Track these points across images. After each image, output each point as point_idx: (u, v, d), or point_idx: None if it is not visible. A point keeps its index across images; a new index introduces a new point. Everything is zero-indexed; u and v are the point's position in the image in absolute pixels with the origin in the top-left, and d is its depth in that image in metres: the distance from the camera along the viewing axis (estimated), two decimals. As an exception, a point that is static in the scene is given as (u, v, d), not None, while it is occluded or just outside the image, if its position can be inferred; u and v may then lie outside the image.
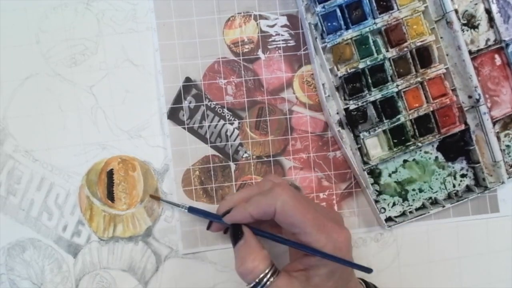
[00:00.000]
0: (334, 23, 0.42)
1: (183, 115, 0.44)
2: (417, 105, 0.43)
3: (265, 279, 0.34)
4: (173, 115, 0.44)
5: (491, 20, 0.44)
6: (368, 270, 0.35)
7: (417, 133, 0.43)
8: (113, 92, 0.44)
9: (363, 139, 0.43)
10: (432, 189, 0.45)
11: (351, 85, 0.43)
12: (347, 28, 0.42)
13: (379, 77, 0.42)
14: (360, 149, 0.43)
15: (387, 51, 0.42)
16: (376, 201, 0.45)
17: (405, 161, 0.45)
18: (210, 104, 0.44)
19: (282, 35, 0.45)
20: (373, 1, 0.42)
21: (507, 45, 0.44)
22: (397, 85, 0.42)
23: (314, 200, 0.45)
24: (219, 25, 0.44)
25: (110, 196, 0.44)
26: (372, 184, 0.44)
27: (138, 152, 0.44)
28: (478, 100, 0.43)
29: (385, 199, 0.45)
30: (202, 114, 0.44)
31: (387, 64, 0.42)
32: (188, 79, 0.44)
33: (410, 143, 0.43)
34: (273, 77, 0.45)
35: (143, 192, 0.44)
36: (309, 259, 0.35)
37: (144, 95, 0.44)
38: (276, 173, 0.45)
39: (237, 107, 0.45)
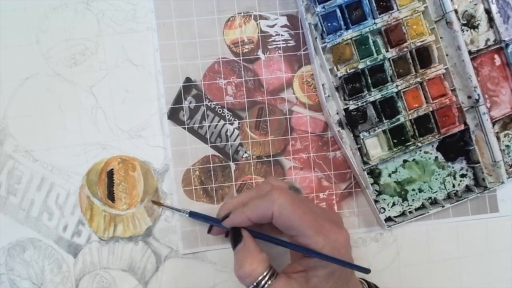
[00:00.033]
0: (334, 23, 0.42)
1: (183, 115, 0.44)
2: (416, 105, 0.43)
3: (263, 282, 0.34)
4: (173, 115, 0.44)
5: (490, 20, 0.44)
6: (366, 271, 0.36)
7: (416, 133, 0.43)
8: (113, 92, 0.44)
9: (363, 139, 0.43)
10: (431, 189, 0.45)
11: (351, 85, 0.43)
12: (347, 28, 0.42)
13: (379, 77, 0.42)
14: (360, 149, 0.43)
15: (387, 51, 0.42)
16: (376, 201, 0.45)
17: (405, 161, 0.45)
18: (210, 104, 0.44)
19: (282, 35, 0.45)
20: (373, 1, 0.42)
21: (507, 45, 0.44)
22: (397, 85, 0.42)
23: (314, 200, 0.45)
24: (219, 25, 0.44)
25: (111, 196, 0.44)
26: (372, 184, 0.44)
27: (138, 152, 0.44)
28: (477, 100, 0.43)
29: (384, 199, 0.45)
30: (202, 114, 0.44)
31: (387, 64, 0.42)
32: (188, 79, 0.44)
33: (410, 143, 0.43)
34: (273, 77, 0.45)
35: (143, 192, 0.44)
36: (308, 261, 0.36)
37: (144, 95, 0.44)
38: (276, 173, 0.45)
39: (237, 107, 0.45)
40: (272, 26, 0.45)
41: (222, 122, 0.45)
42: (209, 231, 0.41)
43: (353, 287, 0.38)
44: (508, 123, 0.45)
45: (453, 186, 0.46)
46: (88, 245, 0.44)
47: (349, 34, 0.42)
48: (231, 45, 0.44)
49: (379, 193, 0.45)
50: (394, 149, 0.43)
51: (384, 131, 0.43)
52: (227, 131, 0.45)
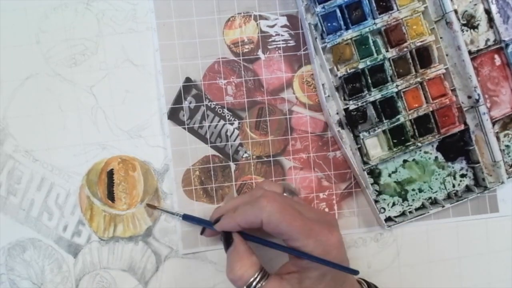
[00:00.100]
0: (334, 24, 0.42)
1: (183, 115, 0.44)
2: (416, 105, 0.43)
3: (254, 283, 0.35)
4: (173, 115, 0.44)
5: (490, 20, 0.44)
6: (354, 272, 0.36)
7: (416, 133, 0.43)
8: (113, 92, 0.44)
9: (363, 139, 0.43)
10: (431, 189, 0.45)
11: (351, 85, 0.43)
12: (347, 28, 0.42)
13: (379, 77, 0.42)
14: (360, 149, 0.43)
15: (387, 51, 0.42)
16: (376, 201, 0.45)
17: (405, 161, 0.45)
18: (210, 104, 0.44)
19: (282, 35, 0.45)
20: (373, 2, 0.42)
21: (507, 45, 0.44)
22: (397, 85, 0.42)
23: (314, 200, 0.45)
24: (219, 25, 0.44)
25: (111, 196, 0.44)
26: (372, 184, 0.44)
27: (138, 152, 0.44)
28: (477, 100, 0.43)
29: (384, 199, 0.45)
30: (202, 114, 0.44)
31: (387, 64, 0.42)
32: (188, 79, 0.44)
33: (410, 143, 0.43)
34: (273, 77, 0.45)
35: (143, 192, 0.44)
36: (301, 261, 0.36)
37: (144, 95, 0.44)
38: (276, 173, 0.45)
39: (237, 107, 0.45)
40: (272, 26, 0.45)
41: (222, 122, 0.45)
42: (202, 233, 0.42)
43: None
44: (508, 123, 0.45)
45: (453, 186, 0.46)
46: (88, 245, 0.44)
47: (349, 34, 0.42)
48: (231, 45, 0.44)
49: (379, 193, 0.45)
50: (394, 149, 0.43)
51: (384, 131, 0.43)
52: (227, 131, 0.45)
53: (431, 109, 0.43)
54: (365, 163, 0.44)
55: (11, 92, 0.43)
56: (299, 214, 0.35)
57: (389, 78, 0.42)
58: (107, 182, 0.44)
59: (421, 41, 0.42)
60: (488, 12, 0.44)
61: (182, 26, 0.44)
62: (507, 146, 0.46)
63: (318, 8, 0.41)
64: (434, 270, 0.46)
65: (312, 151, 0.45)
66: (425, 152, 0.45)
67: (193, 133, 0.44)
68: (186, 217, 0.42)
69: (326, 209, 0.45)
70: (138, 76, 0.44)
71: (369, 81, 0.42)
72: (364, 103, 0.43)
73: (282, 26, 0.45)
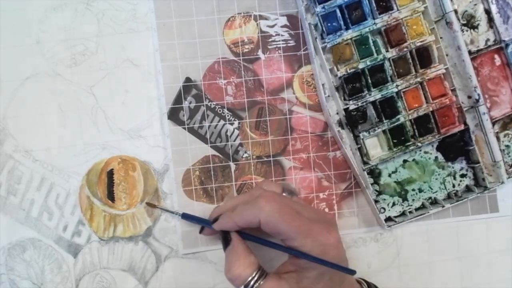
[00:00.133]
0: (334, 24, 0.42)
1: (183, 115, 0.44)
2: (416, 105, 0.43)
3: (252, 282, 0.35)
4: (173, 115, 0.44)
5: (490, 20, 0.44)
6: (352, 272, 0.36)
7: (416, 133, 0.43)
8: (113, 92, 0.44)
9: (363, 139, 0.43)
10: (431, 189, 0.45)
11: (351, 85, 0.43)
12: (347, 28, 0.42)
13: (379, 77, 0.42)
14: (360, 149, 0.43)
15: (387, 51, 0.42)
16: (376, 201, 0.45)
17: (405, 161, 0.45)
18: (210, 104, 0.45)
19: (282, 35, 0.45)
20: (373, 2, 0.42)
21: (507, 45, 0.44)
22: (397, 85, 0.42)
23: (314, 200, 0.45)
24: (219, 25, 0.44)
25: (111, 196, 0.44)
26: (372, 184, 0.44)
27: (138, 152, 0.44)
28: (477, 100, 0.43)
29: (385, 199, 0.45)
30: (202, 114, 0.44)
31: (387, 64, 0.42)
32: (188, 79, 0.44)
33: (410, 143, 0.43)
34: (273, 77, 0.45)
35: (143, 192, 0.44)
36: (299, 261, 0.36)
37: (144, 95, 0.44)
38: (276, 173, 0.45)
39: (237, 107, 0.45)
40: (272, 26, 0.45)
41: (222, 122, 0.45)
42: (200, 231, 0.42)
43: None
44: (508, 123, 0.45)
45: (453, 186, 0.46)
46: (88, 245, 0.44)
47: (349, 34, 0.42)
48: (231, 45, 0.44)
49: (379, 193, 0.45)
50: (394, 149, 0.43)
51: (384, 131, 0.43)
52: (227, 131, 0.45)
53: (431, 109, 0.43)
54: (365, 163, 0.44)
55: (11, 92, 0.43)
56: (297, 214, 0.35)
57: (389, 78, 0.42)
58: (107, 182, 0.44)
59: (421, 41, 0.42)
60: (488, 12, 0.44)
61: (182, 26, 0.44)
62: (507, 146, 0.46)
63: (318, 8, 0.41)
64: (434, 270, 0.46)
65: (312, 151, 0.45)
66: (425, 152, 0.45)
67: (193, 133, 0.44)
68: (185, 216, 0.42)
69: (326, 209, 0.45)
70: (138, 76, 0.44)
71: (369, 81, 0.42)
72: (364, 103, 0.43)
73: (282, 26, 0.45)
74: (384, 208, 0.45)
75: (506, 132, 0.45)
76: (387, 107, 0.43)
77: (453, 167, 0.46)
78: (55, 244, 0.44)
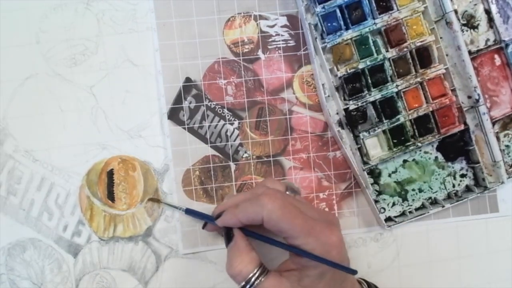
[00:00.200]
0: (334, 24, 0.42)
1: (183, 115, 0.44)
2: (416, 105, 0.43)
3: (253, 279, 0.35)
4: (173, 115, 0.44)
5: (490, 20, 0.44)
6: (353, 272, 0.36)
7: (416, 133, 0.43)
8: (113, 92, 0.44)
9: (363, 139, 0.43)
10: (431, 189, 0.45)
11: (351, 85, 0.43)
12: (347, 29, 0.42)
13: (379, 77, 0.42)
14: (360, 149, 0.43)
15: (387, 51, 0.42)
16: (376, 201, 0.45)
17: (404, 161, 0.45)
18: (210, 104, 0.45)
19: (282, 35, 0.45)
20: (373, 2, 0.42)
21: (507, 45, 0.44)
22: (397, 85, 0.42)
23: (314, 200, 0.45)
24: (219, 25, 0.44)
25: (111, 196, 0.44)
26: (372, 184, 0.44)
27: (138, 152, 0.44)
28: (477, 100, 0.43)
29: (384, 199, 0.45)
30: (202, 114, 0.44)
31: (387, 64, 0.42)
32: (188, 79, 0.44)
33: (410, 143, 0.43)
34: (273, 77, 0.45)
35: (143, 192, 0.44)
36: (301, 260, 0.36)
37: (144, 95, 0.44)
38: (276, 173, 0.45)
39: (237, 107, 0.45)
40: (272, 26, 0.45)
41: (222, 122, 0.45)
42: (203, 227, 0.42)
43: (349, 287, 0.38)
44: (508, 123, 0.45)
45: (453, 186, 0.46)
46: (88, 245, 0.44)
47: (349, 34, 0.42)
48: (231, 45, 0.44)
49: (379, 193, 0.45)
50: (394, 149, 0.43)
51: (384, 131, 0.43)
52: (227, 131, 0.45)
53: (431, 109, 0.43)
54: (365, 163, 0.44)
55: (11, 92, 0.43)
56: (300, 212, 0.35)
57: (389, 78, 0.42)
58: (107, 182, 0.44)
59: (421, 41, 0.42)
60: (488, 12, 0.44)
61: (182, 26, 0.44)
62: (507, 146, 0.46)
63: (318, 8, 0.41)
64: (434, 270, 0.46)
65: (312, 151, 0.45)
66: (425, 152, 0.45)
67: (193, 133, 0.44)
68: (189, 211, 0.42)
69: (326, 209, 0.45)
70: (138, 76, 0.44)
71: (369, 81, 0.42)
72: (364, 103, 0.43)
73: (282, 26, 0.45)
74: (384, 208, 0.45)
75: (506, 132, 0.45)
76: (387, 107, 0.43)
77: (453, 167, 0.46)
78: (55, 244, 0.44)
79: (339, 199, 0.46)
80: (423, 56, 0.42)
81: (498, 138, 0.45)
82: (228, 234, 0.38)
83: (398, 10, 0.42)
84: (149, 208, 0.44)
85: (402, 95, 0.43)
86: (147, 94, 0.44)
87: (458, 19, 0.43)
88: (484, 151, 0.45)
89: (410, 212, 0.45)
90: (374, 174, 0.45)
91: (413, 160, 0.45)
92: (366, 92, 0.43)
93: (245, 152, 0.45)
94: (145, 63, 0.44)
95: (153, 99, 0.44)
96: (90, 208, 0.44)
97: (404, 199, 0.45)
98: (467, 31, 0.44)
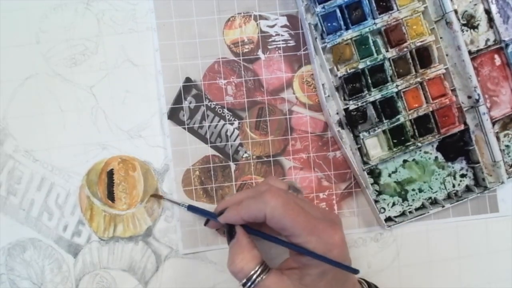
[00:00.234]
0: (334, 24, 0.42)
1: (183, 115, 0.44)
2: (416, 105, 0.43)
3: (254, 276, 0.35)
4: (173, 115, 0.44)
5: (490, 20, 0.44)
6: (355, 271, 0.36)
7: (416, 133, 0.43)
8: (113, 92, 0.44)
9: (363, 139, 0.43)
10: (431, 189, 0.45)
11: (351, 85, 0.43)
12: (347, 29, 0.42)
13: (379, 77, 0.42)
14: (360, 149, 0.43)
15: (387, 51, 0.42)
16: (376, 201, 0.45)
17: (404, 161, 0.45)
18: (210, 104, 0.45)
19: (282, 35, 0.45)
20: (373, 2, 0.42)
21: (507, 45, 0.44)
22: (397, 85, 0.42)
23: (314, 200, 0.45)
24: (219, 25, 0.44)
25: (111, 196, 0.44)
26: (372, 184, 0.44)
27: (138, 152, 0.44)
28: (477, 100, 0.43)
29: (384, 199, 0.45)
30: (202, 114, 0.44)
31: (387, 64, 0.42)
32: (188, 79, 0.44)
33: (410, 143, 0.43)
34: (273, 77, 0.45)
35: (143, 192, 0.44)
36: (302, 258, 0.36)
37: (144, 95, 0.44)
38: (276, 173, 0.45)
39: (237, 107, 0.45)
40: (272, 26, 0.45)
41: (222, 122, 0.45)
42: (205, 224, 0.42)
43: (349, 287, 0.38)
44: (508, 123, 0.45)
45: (453, 186, 0.46)
46: (88, 245, 0.44)
47: (349, 34, 0.42)
48: (231, 45, 0.44)
49: (379, 193, 0.45)
50: (394, 149, 0.43)
51: (384, 131, 0.43)
52: (227, 131, 0.45)
53: (431, 109, 0.43)
54: (365, 163, 0.44)
55: (11, 92, 0.43)
56: (303, 210, 0.35)
57: (389, 78, 0.42)
58: (107, 182, 0.44)
59: (421, 41, 0.42)
60: (488, 12, 0.44)
61: (182, 26, 0.44)
62: (507, 146, 0.46)
63: (318, 8, 0.41)
64: (434, 270, 0.46)
65: (312, 151, 0.45)
66: (425, 152, 0.45)
67: (193, 133, 0.44)
68: (191, 208, 0.42)
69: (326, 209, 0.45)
70: (138, 76, 0.44)
71: (369, 81, 0.42)
72: (364, 103, 0.43)
73: (282, 26, 0.45)
74: (384, 208, 0.45)
75: (506, 132, 0.45)
76: (387, 107, 0.43)
77: (453, 167, 0.46)
78: (55, 244, 0.44)
79: (339, 199, 0.46)
80: (423, 56, 0.42)
81: (498, 138, 0.45)
82: (230, 231, 0.38)
83: (398, 10, 0.42)
84: (149, 208, 0.44)
85: (402, 95, 0.43)
86: (147, 94, 0.44)
87: (458, 19, 0.43)
88: (484, 151, 0.45)
89: (410, 212, 0.45)
90: (374, 174, 0.45)
91: (413, 160, 0.45)
92: (366, 92, 0.43)
93: (245, 152, 0.45)
94: (145, 63, 0.44)
95: (153, 99, 0.44)
96: (90, 208, 0.44)
97: (404, 199, 0.45)
98: (467, 31, 0.44)
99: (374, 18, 0.42)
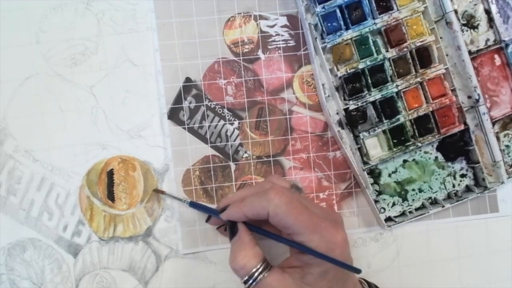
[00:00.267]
0: (334, 24, 0.42)
1: (183, 115, 0.44)
2: (416, 105, 0.43)
3: (256, 274, 0.35)
4: (173, 115, 0.44)
5: (490, 20, 0.44)
6: (357, 271, 0.36)
7: (416, 133, 0.43)
8: (113, 92, 0.44)
9: (363, 139, 0.43)
10: (431, 189, 0.45)
11: (351, 85, 0.43)
12: (347, 29, 0.42)
13: (379, 77, 0.42)
14: (360, 149, 0.43)
15: (387, 51, 0.42)
16: (376, 201, 0.45)
17: (404, 161, 0.45)
18: (210, 104, 0.45)
19: (282, 35, 0.45)
20: (373, 2, 0.42)
21: (507, 45, 0.44)
22: (397, 85, 0.42)
23: (314, 200, 0.45)
24: (219, 25, 0.44)
25: (110, 196, 0.44)
26: (372, 184, 0.44)
27: (138, 152, 0.44)
28: (477, 100, 0.43)
29: (384, 199, 0.45)
30: (202, 114, 0.44)
31: (387, 64, 0.42)
32: (188, 79, 0.44)
33: (410, 143, 0.43)
34: (273, 77, 0.45)
35: (143, 192, 0.44)
36: (304, 257, 0.36)
37: (144, 95, 0.44)
38: (276, 173, 0.45)
39: (237, 107, 0.45)
40: (272, 26, 0.45)
41: (222, 122, 0.45)
42: (207, 220, 0.41)
43: (350, 287, 0.38)
44: (508, 123, 0.45)
45: (453, 186, 0.46)
46: (88, 245, 0.44)
47: (349, 34, 0.42)
48: (231, 45, 0.44)
49: (379, 193, 0.45)
50: (394, 149, 0.43)
51: (384, 131, 0.43)
52: (227, 131, 0.45)
53: (431, 109, 0.43)
54: (365, 163, 0.44)
55: (11, 92, 0.43)
56: (306, 209, 0.35)
57: (389, 78, 0.42)
58: (107, 182, 0.44)
59: (421, 41, 0.42)
60: (488, 12, 0.44)
61: (182, 26, 0.44)
62: (507, 146, 0.46)
63: (318, 8, 0.41)
64: (434, 270, 0.46)
65: (312, 151, 0.45)
66: (425, 152, 0.45)
67: (193, 133, 0.44)
68: (193, 204, 0.42)
69: (326, 209, 0.45)
70: (138, 76, 0.44)
71: (369, 81, 0.42)
72: (364, 103, 0.43)
73: (282, 26, 0.45)
74: (384, 208, 0.45)
75: (506, 132, 0.45)
76: (387, 107, 0.43)
77: (453, 167, 0.46)
78: (55, 244, 0.44)
79: (339, 199, 0.46)
80: (423, 56, 0.42)
81: (498, 138, 0.45)
82: (232, 228, 0.38)
83: (398, 10, 0.42)
84: (149, 208, 0.44)
85: (402, 95, 0.43)
86: (147, 94, 0.44)
87: (458, 19, 0.43)
88: (484, 151, 0.45)
89: (410, 212, 0.45)
90: (374, 174, 0.45)
91: (413, 160, 0.45)
92: (366, 92, 0.43)
93: (245, 152, 0.45)
94: (145, 63, 0.44)
95: (153, 99, 0.44)
96: (90, 208, 0.44)
97: (404, 199, 0.45)
98: (467, 31, 0.44)
99: (374, 18, 0.42)
